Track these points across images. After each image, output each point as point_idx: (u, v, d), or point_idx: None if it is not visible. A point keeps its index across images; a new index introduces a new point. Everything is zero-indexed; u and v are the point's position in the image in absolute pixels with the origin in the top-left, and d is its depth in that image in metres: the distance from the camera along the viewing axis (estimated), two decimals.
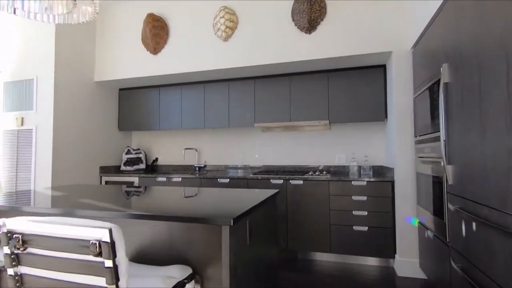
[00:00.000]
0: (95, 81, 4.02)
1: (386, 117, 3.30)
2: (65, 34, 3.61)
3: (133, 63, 3.86)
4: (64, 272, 1.01)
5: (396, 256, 2.88)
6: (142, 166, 4.34)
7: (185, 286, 1.34)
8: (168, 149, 4.51)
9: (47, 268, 1.03)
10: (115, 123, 4.39)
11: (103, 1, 3.98)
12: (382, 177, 3.07)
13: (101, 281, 0.98)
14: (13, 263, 1.07)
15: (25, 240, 1.04)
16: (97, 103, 4.07)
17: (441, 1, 1.96)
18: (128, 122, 4.37)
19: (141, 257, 1.62)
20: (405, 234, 2.82)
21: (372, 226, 2.99)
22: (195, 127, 4.01)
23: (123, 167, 4.31)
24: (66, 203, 1.67)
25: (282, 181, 3.28)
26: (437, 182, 2.14)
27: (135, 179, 3.91)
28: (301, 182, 3.22)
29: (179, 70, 3.63)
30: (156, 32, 3.65)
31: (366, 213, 3.00)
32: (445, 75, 1.91)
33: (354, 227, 3.04)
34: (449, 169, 1.86)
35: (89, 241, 0.95)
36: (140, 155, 4.38)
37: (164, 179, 3.76)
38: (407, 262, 2.80)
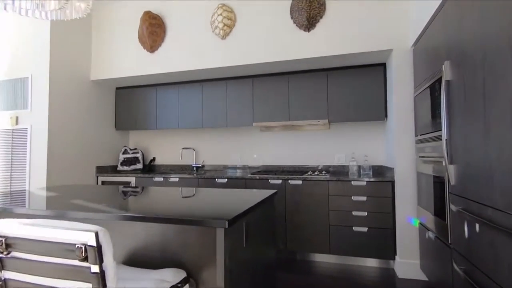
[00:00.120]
0: (91, 80, 3.97)
1: (386, 116, 3.26)
2: (60, 32, 3.55)
3: (130, 61, 3.81)
4: (49, 277, 0.97)
5: (397, 257, 2.84)
6: (139, 166, 4.29)
7: None
8: (166, 148, 4.46)
9: (31, 273, 0.99)
10: (112, 122, 4.34)
11: None
12: (382, 177, 3.03)
13: (87, 287, 0.93)
14: None
15: (8, 244, 0.99)
16: (93, 102, 4.02)
17: None
18: (125, 122, 4.31)
19: (134, 260, 1.57)
20: (405, 235, 2.78)
21: (372, 226, 2.95)
22: (193, 127, 3.96)
23: (120, 167, 4.26)
24: (57, 204, 1.62)
25: (280, 181, 3.24)
26: (439, 182, 2.09)
27: (132, 179, 3.86)
28: (300, 182, 3.17)
29: (177, 69, 3.58)
30: (153, 30, 3.60)
31: (366, 214, 2.96)
32: (447, 73, 1.87)
33: (353, 227, 2.99)
34: (451, 169, 1.82)
35: (75, 245, 0.90)
36: (137, 155, 4.33)
37: (161, 179, 3.72)
38: (408, 263, 2.75)
